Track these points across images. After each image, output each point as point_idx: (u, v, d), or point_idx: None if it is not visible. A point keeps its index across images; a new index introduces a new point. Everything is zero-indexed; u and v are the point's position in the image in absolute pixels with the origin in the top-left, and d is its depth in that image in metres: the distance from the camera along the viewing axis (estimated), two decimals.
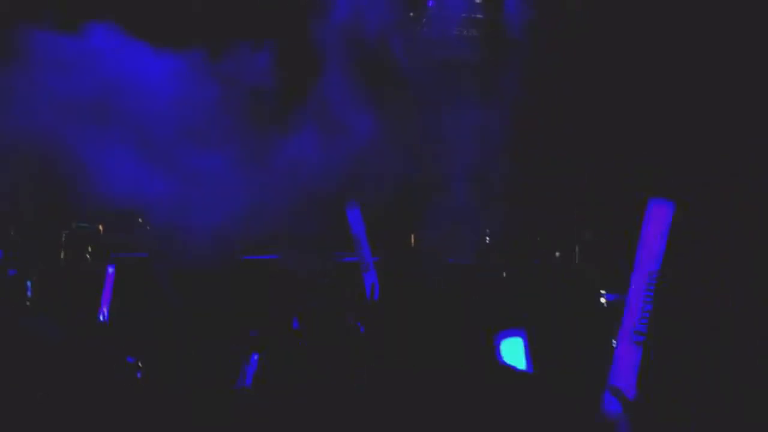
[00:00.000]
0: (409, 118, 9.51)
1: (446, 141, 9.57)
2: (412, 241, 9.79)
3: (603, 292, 7.62)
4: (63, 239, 9.00)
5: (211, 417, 5.48)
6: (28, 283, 8.46)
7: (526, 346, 5.86)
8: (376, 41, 9.52)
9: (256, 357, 6.84)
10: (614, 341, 6.71)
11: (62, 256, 8.95)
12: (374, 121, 9.15)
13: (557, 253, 9.48)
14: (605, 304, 7.51)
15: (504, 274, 9.17)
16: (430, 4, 9.80)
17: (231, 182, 8.94)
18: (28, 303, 8.35)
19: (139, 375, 6.48)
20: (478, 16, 9.98)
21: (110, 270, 8.05)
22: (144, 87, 8.75)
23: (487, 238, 9.48)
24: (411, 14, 9.80)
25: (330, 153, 9.07)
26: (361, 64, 9.40)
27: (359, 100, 9.22)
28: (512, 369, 5.51)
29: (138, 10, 8.98)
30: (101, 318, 7.92)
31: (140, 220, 9.08)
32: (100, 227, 9.21)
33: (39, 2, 8.60)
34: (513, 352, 5.85)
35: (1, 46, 8.34)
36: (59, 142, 8.45)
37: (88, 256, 8.96)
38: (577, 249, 9.44)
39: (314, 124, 9.26)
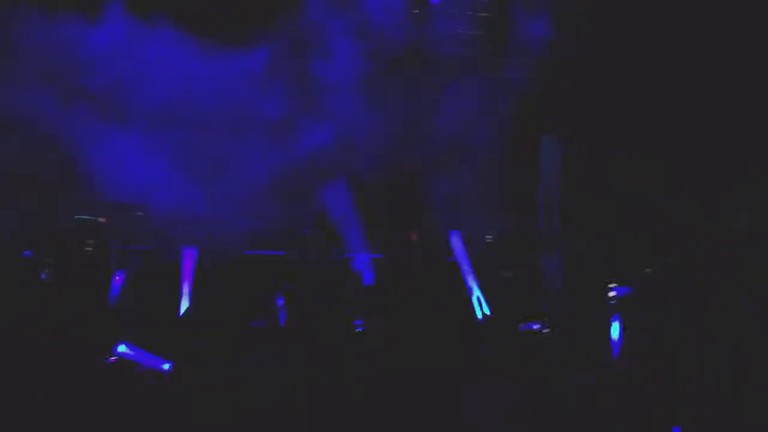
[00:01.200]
0: (412, 105, 9.47)
1: (446, 130, 9.52)
2: (414, 236, 9.71)
3: (611, 285, 7.60)
4: (63, 231, 8.98)
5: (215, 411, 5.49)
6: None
7: None
8: (379, 34, 9.48)
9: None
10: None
11: (64, 249, 8.94)
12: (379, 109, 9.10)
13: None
14: (614, 298, 7.48)
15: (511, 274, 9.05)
16: (433, 2, 9.74)
17: (236, 174, 8.92)
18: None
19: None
20: (484, 14, 9.92)
21: (118, 277, 8.06)
22: (151, 76, 8.75)
23: (488, 237, 9.39)
24: (415, 11, 9.74)
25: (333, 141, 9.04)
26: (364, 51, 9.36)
27: (363, 88, 9.18)
28: None
29: None
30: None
31: (140, 213, 9.07)
32: (102, 220, 9.19)
33: None
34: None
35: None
36: (61, 132, 8.46)
37: (89, 249, 8.95)
38: (582, 244, 9.37)
39: (318, 112, 9.22)
